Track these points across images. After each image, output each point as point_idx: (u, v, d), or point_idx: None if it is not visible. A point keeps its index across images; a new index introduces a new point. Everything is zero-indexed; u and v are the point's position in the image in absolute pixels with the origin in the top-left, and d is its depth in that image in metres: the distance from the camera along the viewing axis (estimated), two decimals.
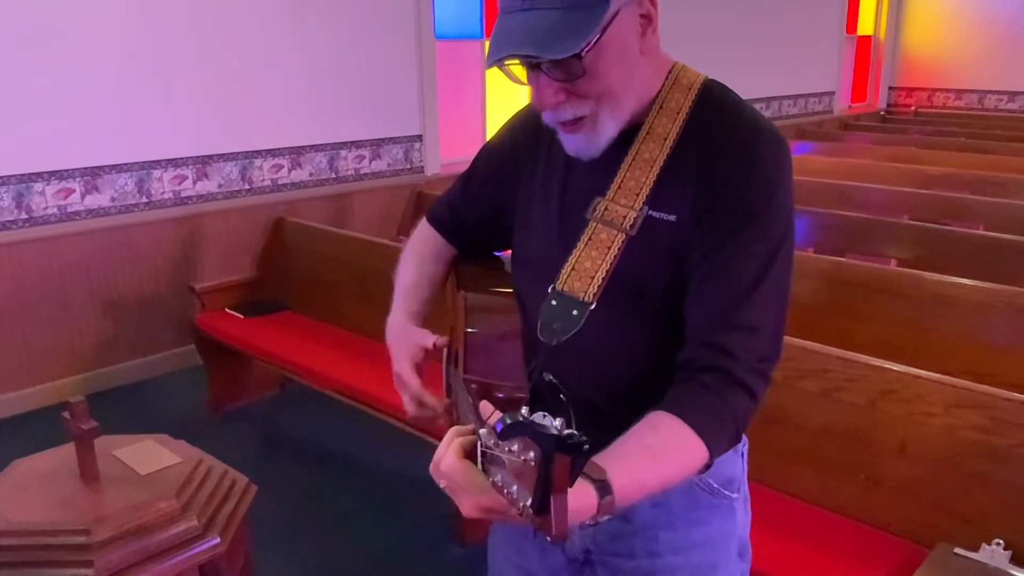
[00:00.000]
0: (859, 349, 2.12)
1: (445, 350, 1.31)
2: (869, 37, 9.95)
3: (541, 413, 0.71)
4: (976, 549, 1.74)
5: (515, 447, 0.71)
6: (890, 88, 10.21)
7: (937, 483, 1.91)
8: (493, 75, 1.11)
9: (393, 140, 5.05)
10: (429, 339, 1.22)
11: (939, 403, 1.90)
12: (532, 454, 0.69)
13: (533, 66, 1.00)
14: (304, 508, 2.97)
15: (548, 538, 0.71)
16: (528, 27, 0.95)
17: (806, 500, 2.11)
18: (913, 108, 9.91)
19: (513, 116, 1.27)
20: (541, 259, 1.14)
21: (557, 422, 0.69)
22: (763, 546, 1.92)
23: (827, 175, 5.33)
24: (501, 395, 1.01)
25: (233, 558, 1.82)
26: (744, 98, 1.10)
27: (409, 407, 1.23)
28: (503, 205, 1.24)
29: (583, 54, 0.95)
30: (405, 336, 1.26)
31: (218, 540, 1.74)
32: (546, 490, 0.69)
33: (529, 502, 0.70)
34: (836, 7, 8.83)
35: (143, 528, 1.67)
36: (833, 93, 9.10)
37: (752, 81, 7.63)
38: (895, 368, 2.00)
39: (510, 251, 1.27)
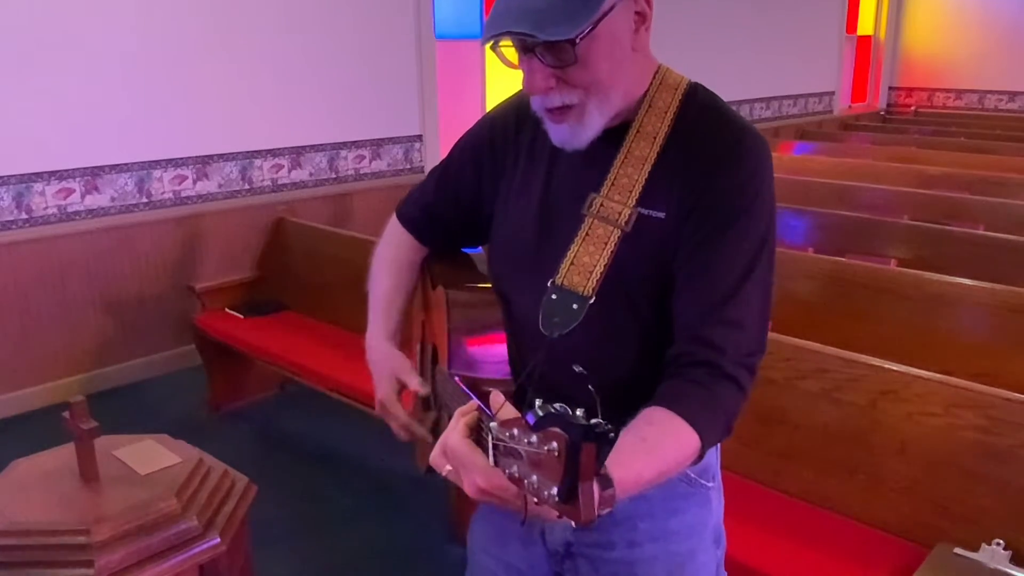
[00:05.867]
0: (859, 349, 2.12)
1: (419, 345, 1.32)
2: (869, 37, 9.95)
3: (560, 404, 0.72)
4: (976, 549, 1.74)
5: (534, 438, 0.73)
6: (890, 88, 10.21)
7: (937, 483, 1.91)
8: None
9: (393, 140, 5.05)
10: (412, 379, 1.24)
11: (939, 403, 1.90)
12: (555, 444, 0.71)
13: (527, 49, 1.01)
14: (304, 508, 2.96)
15: (573, 524, 0.73)
16: (525, 7, 0.97)
17: (806, 500, 2.11)
18: (913, 108, 9.91)
19: (491, 110, 1.28)
20: (522, 251, 1.16)
21: (580, 411, 0.71)
22: (763, 546, 1.92)
23: (827, 175, 5.33)
24: (489, 389, 1.02)
25: (233, 558, 1.82)
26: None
27: (400, 434, 1.27)
28: (481, 197, 1.24)
29: (577, 41, 0.97)
30: (387, 362, 1.27)
31: (218, 540, 1.74)
32: (574, 478, 0.70)
33: (555, 490, 0.71)
34: (836, 7, 8.83)
35: (143, 528, 1.67)
36: (833, 93, 9.10)
37: (752, 81, 7.64)
38: (895, 368, 2.00)
39: (480, 248, 1.29)
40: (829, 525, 2.02)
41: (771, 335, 2.26)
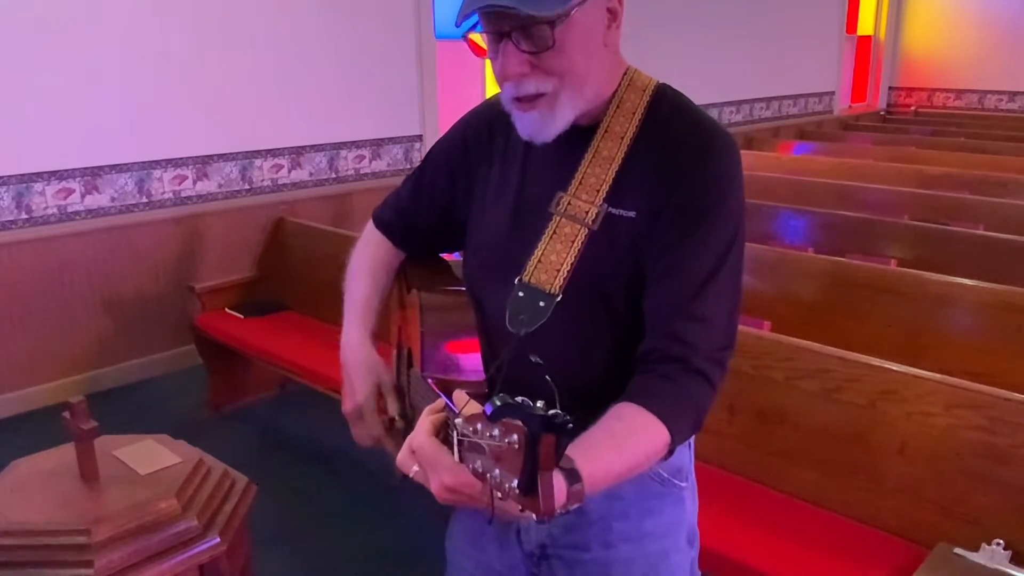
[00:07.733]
0: (859, 349, 2.12)
1: (395, 351, 1.32)
2: (869, 37, 9.95)
3: (521, 397, 0.72)
4: (976, 549, 1.74)
5: (496, 432, 0.73)
6: (890, 88, 10.21)
7: (937, 483, 1.91)
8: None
9: (393, 140, 5.05)
10: (392, 403, 1.21)
11: (939, 403, 1.90)
12: (516, 436, 0.71)
13: (502, 34, 1.01)
14: (304, 508, 2.97)
15: (535, 517, 0.73)
16: None
17: (806, 500, 2.11)
18: (913, 108, 9.91)
19: (466, 114, 1.28)
20: (495, 253, 1.16)
21: (539, 403, 0.71)
22: (763, 546, 1.92)
23: (827, 175, 5.33)
24: (464, 391, 1.01)
25: (233, 558, 1.82)
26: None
27: (363, 441, 1.22)
28: (455, 202, 1.25)
29: (555, 22, 0.98)
30: (371, 367, 1.25)
31: (218, 540, 1.74)
32: (533, 469, 0.71)
33: (515, 483, 0.71)
34: (836, 7, 8.83)
35: (143, 528, 1.67)
36: (833, 93, 9.10)
37: (752, 81, 7.64)
38: (895, 368, 2.00)
39: (456, 254, 1.28)
40: (829, 525, 2.02)
41: (771, 335, 2.27)
